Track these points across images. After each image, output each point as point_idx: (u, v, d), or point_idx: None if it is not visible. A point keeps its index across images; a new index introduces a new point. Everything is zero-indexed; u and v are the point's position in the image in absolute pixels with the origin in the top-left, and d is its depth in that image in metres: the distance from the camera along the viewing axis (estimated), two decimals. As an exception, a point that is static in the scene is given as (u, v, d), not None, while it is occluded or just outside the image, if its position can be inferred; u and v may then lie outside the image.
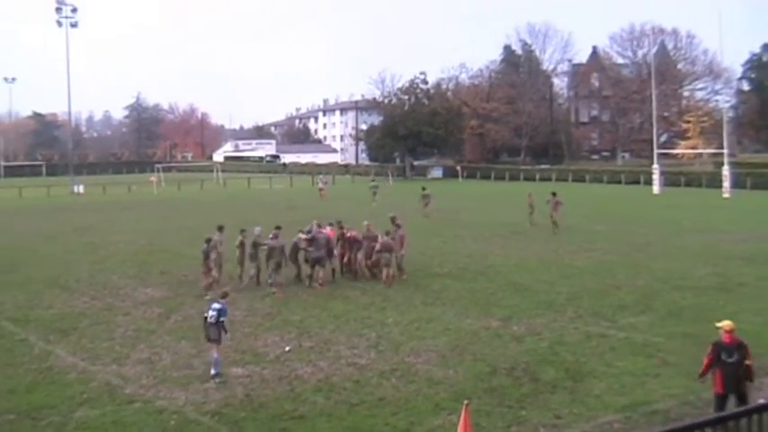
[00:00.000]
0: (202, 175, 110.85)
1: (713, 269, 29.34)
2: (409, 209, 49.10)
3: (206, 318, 16.93)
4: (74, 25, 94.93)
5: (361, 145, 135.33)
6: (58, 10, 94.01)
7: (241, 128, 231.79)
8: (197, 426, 14.29)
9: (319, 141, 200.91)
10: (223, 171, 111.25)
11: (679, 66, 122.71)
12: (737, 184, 72.32)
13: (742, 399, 12.67)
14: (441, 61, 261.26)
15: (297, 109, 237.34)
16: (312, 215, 35.73)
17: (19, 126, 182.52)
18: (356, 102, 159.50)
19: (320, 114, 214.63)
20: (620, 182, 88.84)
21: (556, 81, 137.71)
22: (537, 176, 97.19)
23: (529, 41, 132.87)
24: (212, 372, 16.63)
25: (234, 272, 27.52)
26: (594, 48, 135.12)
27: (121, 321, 22.44)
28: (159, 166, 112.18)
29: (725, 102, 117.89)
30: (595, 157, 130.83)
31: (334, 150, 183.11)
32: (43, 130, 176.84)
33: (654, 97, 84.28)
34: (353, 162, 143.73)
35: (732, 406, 12.36)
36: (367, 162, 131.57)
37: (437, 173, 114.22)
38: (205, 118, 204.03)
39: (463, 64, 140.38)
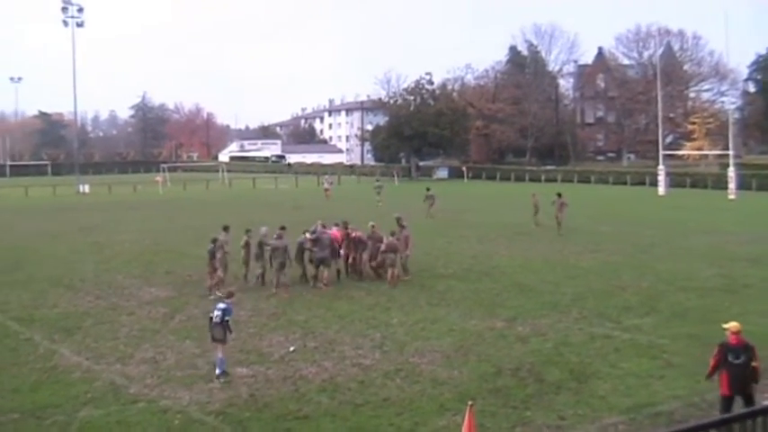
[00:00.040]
0: (208, 175, 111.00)
1: (718, 270, 29.29)
2: (414, 209, 49.08)
3: (211, 318, 16.94)
4: (80, 25, 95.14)
5: (367, 145, 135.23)
6: (65, 9, 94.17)
7: (247, 128, 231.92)
8: (201, 425, 14.29)
9: (325, 142, 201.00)
10: (228, 171, 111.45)
11: (685, 67, 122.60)
12: (743, 185, 72.22)
13: (748, 400, 12.64)
14: (446, 62, 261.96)
15: (302, 109, 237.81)
16: (317, 215, 35.75)
17: (25, 125, 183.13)
18: (362, 102, 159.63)
19: (326, 114, 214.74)
20: (625, 183, 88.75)
21: (561, 82, 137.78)
22: (542, 177, 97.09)
23: (535, 42, 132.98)
24: (217, 371, 16.63)
25: (239, 272, 27.52)
26: (600, 49, 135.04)
27: (126, 321, 22.46)
28: (165, 165, 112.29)
29: (731, 103, 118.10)
30: (601, 158, 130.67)
31: (340, 151, 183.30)
32: (49, 130, 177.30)
33: (659, 98, 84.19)
34: (359, 162, 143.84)
35: (738, 408, 12.31)
36: (372, 162, 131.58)
37: (442, 173, 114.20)
38: (211, 118, 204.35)
39: (469, 64, 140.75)
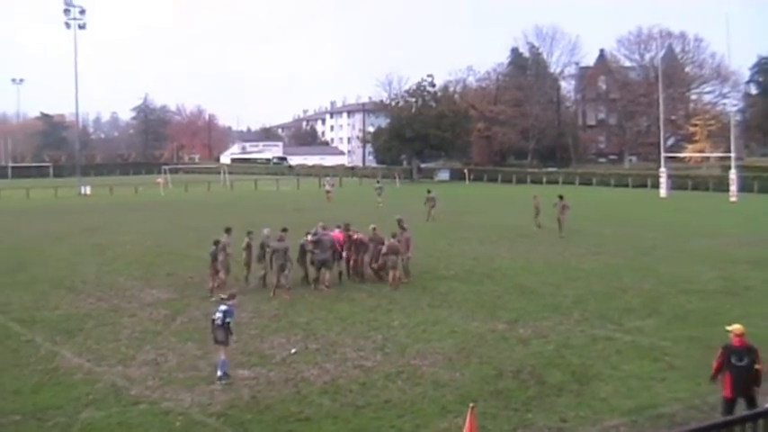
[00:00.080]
0: (209, 176, 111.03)
1: (720, 273, 29.28)
2: (416, 211, 49.09)
3: (213, 320, 16.95)
4: (82, 27, 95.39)
5: (368, 147, 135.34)
6: (67, 11, 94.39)
7: (248, 129, 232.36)
8: (203, 427, 14.29)
9: (326, 143, 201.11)
10: (230, 173, 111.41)
11: (686, 69, 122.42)
12: (744, 187, 72.28)
13: (751, 403, 12.63)
14: (448, 64, 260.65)
15: (304, 111, 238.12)
16: (319, 217, 35.76)
17: (27, 127, 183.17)
18: (363, 104, 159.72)
19: (327, 116, 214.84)
20: (627, 185, 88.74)
21: (563, 84, 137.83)
22: (544, 179, 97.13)
23: (536, 44, 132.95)
24: (219, 373, 16.63)
25: (240, 274, 27.52)
26: (602, 51, 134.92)
27: (127, 323, 22.45)
28: (166, 167, 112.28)
29: (732, 105, 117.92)
30: (602, 160, 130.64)
31: (341, 152, 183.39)
32: (51, 131, 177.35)
33: (661, 100, 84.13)
34: (360, 164, 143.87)
35: (741, 411, 12.29)
36: (374, 164, 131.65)
37: (444, 175, 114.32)
38: (212, 119, 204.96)
39: (470, 66, 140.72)
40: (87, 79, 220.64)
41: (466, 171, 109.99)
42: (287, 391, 16.09)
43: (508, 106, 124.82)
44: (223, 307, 16.90)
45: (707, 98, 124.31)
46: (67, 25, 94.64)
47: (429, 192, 52.69)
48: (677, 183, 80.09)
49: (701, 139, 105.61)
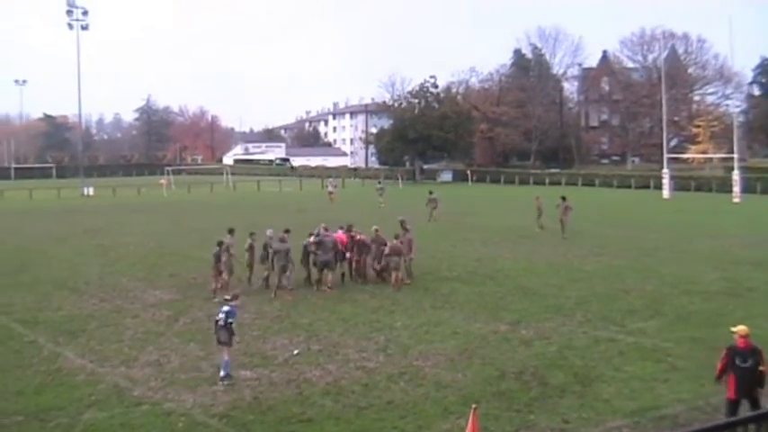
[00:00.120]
0: (212, 177, 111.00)
1: (722, 274, 29.26)
2: (418, 212, 49.10)
3: (216, 321, 16.96)
4: (84, 28, 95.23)
5: (371, 148, 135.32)
6: (69, 12, 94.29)
7: (251, 131, 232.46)
8: (205, 428, 14.29)
9: (329, 144, 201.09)
10: (233, 174, 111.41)
11: (689, 70, 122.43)
12: (747, 188, 72.24)
13: (755, 404, 12.62)
14: (451, 65, 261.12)
15: (307, 112, 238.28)
16: (322, 218, 35.70)
17: (30, 128, 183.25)
18: (366, 105, 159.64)
19: (330, 117, 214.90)
20: (629, 186, 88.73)
21: (566, 85, 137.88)
22: (546, 180, 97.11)
23: (539, 45, 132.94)
24: (222, 373, 16.62)
25: (243, 275, 27.52)
26: (605, 52, 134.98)
27: (130, 324, 22.46)
28: (169, 168, 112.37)
29: (735, 106, 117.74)
30: (605, 161, 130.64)
31: (344, 154, 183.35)
32: (54, 133, 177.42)
33: (664, 102, 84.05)
34: (363, 165, 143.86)
35: (744, 412, 12.27)
36: (377, 165, 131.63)
37: (447, 176, 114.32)
38: (215, 121, 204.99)
39: (473, 68, 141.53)
40: (90, 80, 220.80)
41: (469, 172, 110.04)
42: (289, 392, 16.09)
43: (511, 107, 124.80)
44: (226, 308, 16.91)
45: (710, 99, 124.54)
46: (70, 26, 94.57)
47: (431, 193, 52.67)
48: (680, 184, 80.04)
49: (704, 141, 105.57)
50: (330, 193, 72.46)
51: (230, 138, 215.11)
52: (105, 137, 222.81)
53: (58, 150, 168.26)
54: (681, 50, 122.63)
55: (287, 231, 26.78)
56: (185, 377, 17.14)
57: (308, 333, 20.91)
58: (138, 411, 15.08)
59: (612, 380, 16.54)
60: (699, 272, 29.83)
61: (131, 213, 60.98)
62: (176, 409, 15.18)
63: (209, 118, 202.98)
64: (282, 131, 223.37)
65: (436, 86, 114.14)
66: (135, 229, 48.47)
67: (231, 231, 27.38)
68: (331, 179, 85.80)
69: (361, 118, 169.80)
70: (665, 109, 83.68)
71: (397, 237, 27.61)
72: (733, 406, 12.77)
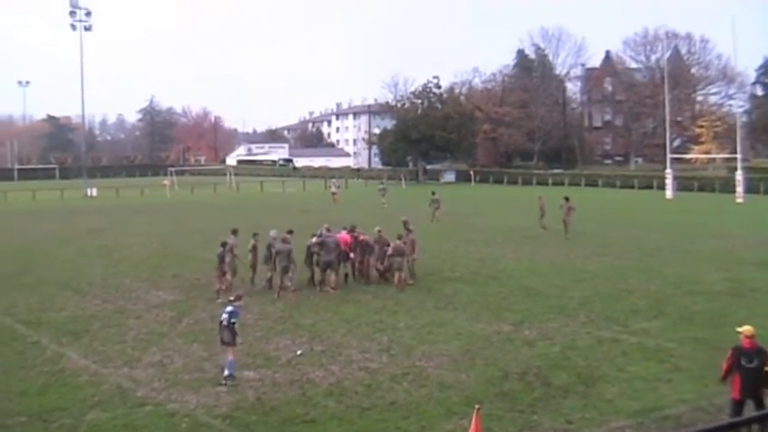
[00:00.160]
0: (215, 178, 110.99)
1: (726, 274, 29.24)
2: (421, 213, 49.06)
3: (221, 321, 16.97)
4: (88, 29, 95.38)
5: (374, 149, 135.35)
6: (72, 13, 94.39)
7: (254, 131, 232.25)
8: (208, 429, 14.31)
9: (332, 145, 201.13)
10: (236, 175, 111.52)
11: (692, 70, 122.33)
12: (751, 188, 72.13)
13: (760, 404, 12.60)
14: (454, 65, 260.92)
15: (310, 113, 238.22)
16: (325, 219, 35.60)
17: (33, 129, 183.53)
18: (369, 106, 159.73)
19: (333, 118, 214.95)
20: (633, 186, 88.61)
21: (569, 85, 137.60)
22: (550, 181, 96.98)
23: (542, 46, 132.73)
24: (226, 372, 16.61)
25: (246, 275, 27.52)
26: (608, 52, 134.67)
27: (133, 324, 22.48)
28: (172, 169, 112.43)
29: (738, 106, 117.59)
30: (608, 161, 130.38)
31: (347, 154, 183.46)
32: (57, 134, 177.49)
33: (667, 102, 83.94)
34: (366, 166, 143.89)
35: (749, 412, 12.24)
36: (380, 166, 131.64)
37: (450, 177, 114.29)
38: (218, 121, 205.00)
39: (476, 68, 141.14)
40: (93, 81, 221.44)
41: (472, 173, 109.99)
42: (292, 392, 16.10)
43: (514, 108, 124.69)
44: (229, 308, 16.95)
45: (713, 99, 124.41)
46: (73, 27, 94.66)
47: (433, 193, 52.64)
48: (683, 184, 79.96)
49: (707, 141, 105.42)
50: (333, 193, 72.44)
51: (233, 138, 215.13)
52: (108, 138, 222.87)
53: (61, 151, 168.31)
54: (684, 51, 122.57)
55: (290, 232, 26.83)
56: (188, 378, 17.16)
57: (311, 334, 20.91)
58: (142, 412, 15.09)
59: (616, 380, 16.54)
60: (702, 272, 29.81)
61: (134, 214, 61.04)
62: (179, 409, 15.19)
63: (213, 119, 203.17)
64: (285, 132, 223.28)
65: (439, 87, 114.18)
66: (138, 229, 48.51)
67: (235, 232, 27.40)
68: (334, 180, 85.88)
69: (364, 118, 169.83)
70: (668, 109, 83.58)
71: (400, 237, 27.60)
72: (738, 406, 12.76)
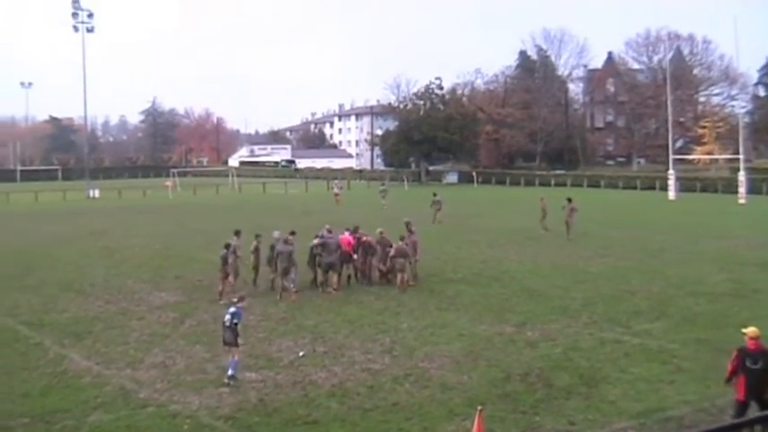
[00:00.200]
0: (218, 179, 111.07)
1: (728, 275, 29.21)
2: (423, 214, 49.04)
3: (224, 322, 16.98)
4: (90, 30, 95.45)
5: (377, 150, 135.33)
6: (75, 15, 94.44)
7: (256, 132, 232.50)
8: (210, 430, 14.31)
9: (334, 146, 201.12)
10: (238, 176, 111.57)
11: (695, 71, 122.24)
12: (753, 189, 72.06)
13: (763, 406, 12.60)
14: (456, 67, 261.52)
15: (312, 114, 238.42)
16: (327, 220, 35.63)
17: (35, 130, 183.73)
18: (371, 107, 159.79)
19: (335, 119, 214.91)
20: (635, 187, 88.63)
21: (571, 86, 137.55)
22: (552, 182, 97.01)
23: (544, 47, 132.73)
24: (229, 372, 16.62)
25: (248, 277, 27.53)
26: (610, 53, 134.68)
27: (136, 326, 22.49)
28: (175, 170, 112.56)
29: (741, 107, 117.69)
30: (611, 162, 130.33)
31: (350, 155, 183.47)
32: (59, 135, 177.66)
33: (669, 103, 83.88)
34: (369, 167, 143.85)
35: (753, 414, 12.23)
36: (382, 167, 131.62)
37: (452, 178, 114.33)
38: (220, 123, 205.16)
39: (478, 69, 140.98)
40: (96, 83, 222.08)
41: (474, 174, 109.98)
42: (294, 394, 16.10)
43: (516, 109, 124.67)
44: (232, 309, 16.97)
45: (715, 100, 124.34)
46: (76, 29, 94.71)
47: (435, 195, 52.58)
48: (686, 185, 79.88)
49: (710, 142, 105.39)
50: (336, 194, 72.44)
51: (236, 140, 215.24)
52: (111, 139, 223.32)
53: (63, 152, 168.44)
54: (686, 51, 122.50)
55: (292, 233, 26.81)
56: (191, 379, 17.16)
57: (314, 335, 20.92)
58: (144, 413, 15.10)
59: (618, 381, 16.52)
60: (704, 273, 29.78)
61: (137, 215, 61.09)
62: (182, 410, 15.19)
63: (215, 120, 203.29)
64: (288, 133, 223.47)
65: (441, 88, 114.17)
66: (140, 231, 48.52)
67: (238, 233, 27.39)
68: (337, 181, 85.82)
69: (366, 120, 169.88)
70: (670, 110, 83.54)
71: (402, 238, 27.60)
72: (742, 407, 12.74)
